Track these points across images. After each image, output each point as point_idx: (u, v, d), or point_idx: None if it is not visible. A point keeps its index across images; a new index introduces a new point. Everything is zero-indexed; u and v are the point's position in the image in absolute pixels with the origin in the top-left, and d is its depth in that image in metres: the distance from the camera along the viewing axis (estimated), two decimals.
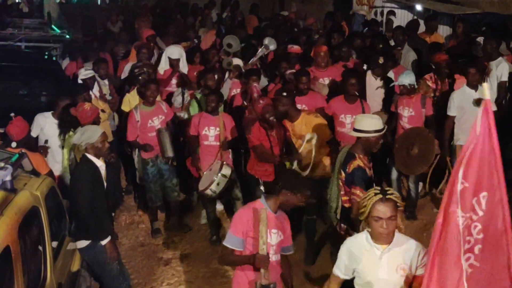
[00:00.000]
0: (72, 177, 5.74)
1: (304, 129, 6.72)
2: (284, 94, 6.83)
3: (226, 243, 4.56)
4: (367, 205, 3.63)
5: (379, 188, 3.75)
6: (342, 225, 5.52)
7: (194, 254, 7.30)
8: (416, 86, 7.46)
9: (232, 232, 4.53)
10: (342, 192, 5.44)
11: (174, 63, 8.91)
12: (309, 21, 13.09)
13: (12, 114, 6.55)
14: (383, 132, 5.32)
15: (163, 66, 9.07)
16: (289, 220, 4.79)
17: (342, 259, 3.87)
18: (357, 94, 7.25)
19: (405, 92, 7.34)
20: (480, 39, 8.56)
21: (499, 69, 7.75)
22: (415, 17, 11.91)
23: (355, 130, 5.30)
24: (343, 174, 5.32)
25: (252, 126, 6.82)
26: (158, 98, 7.83)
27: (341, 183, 5.40)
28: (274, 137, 6.73)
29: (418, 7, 12.36)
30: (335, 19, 12.46)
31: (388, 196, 3.63)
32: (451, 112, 7.34)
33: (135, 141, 7.58)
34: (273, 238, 4.53)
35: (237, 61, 8.75)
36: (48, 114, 7.25)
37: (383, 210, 3.59)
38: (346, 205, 5.42)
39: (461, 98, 7.24)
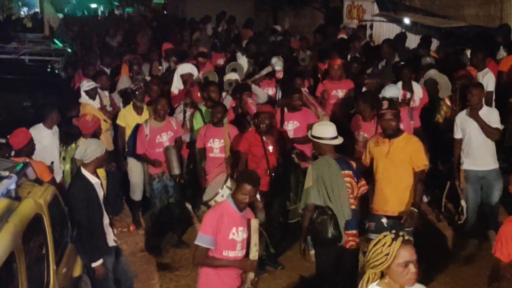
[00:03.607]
0: (67, 194, 5.66)
1: (402, 147, 6.00)
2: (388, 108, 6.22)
3: (199, 242, 4.65)
4: (391, 253, 3.13)
5: (392, 232, 3.25)
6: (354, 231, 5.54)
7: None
8: (399, 100, 7.44)
9: (203, 232, 4.65)
10: (351, 195, 5.50)
11: (186, 79, 8.78)
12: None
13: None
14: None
15: (177, 85, 8.93)
16: (253, 213, 4.98)
17: None
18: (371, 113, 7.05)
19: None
20: (467, 51, 8.70)
21: (485, 79, 7.90)
22: (403, 30, 12.11)
23: (333, 138, 5.55)
24: (353, 176, 5.50)
25: (248, 131, 6.97)
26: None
27: (351, 186, 5.51)
28: (269, 146, 6.71)
29: (406, 21, 12.53)
30: (326, 33, 12.53)
31: (406, 237, 3.21)
32: (456, 135, 7.13)
33: (143, 155, 7.44)
34: (239, 235, 4.68)
35: (234, 76, 8.62)
36: (42, 127, 7.20)
37: (410, 252, 3.17)
38: (354, 206, 5.54)
39: (462, 121, 7.04)
